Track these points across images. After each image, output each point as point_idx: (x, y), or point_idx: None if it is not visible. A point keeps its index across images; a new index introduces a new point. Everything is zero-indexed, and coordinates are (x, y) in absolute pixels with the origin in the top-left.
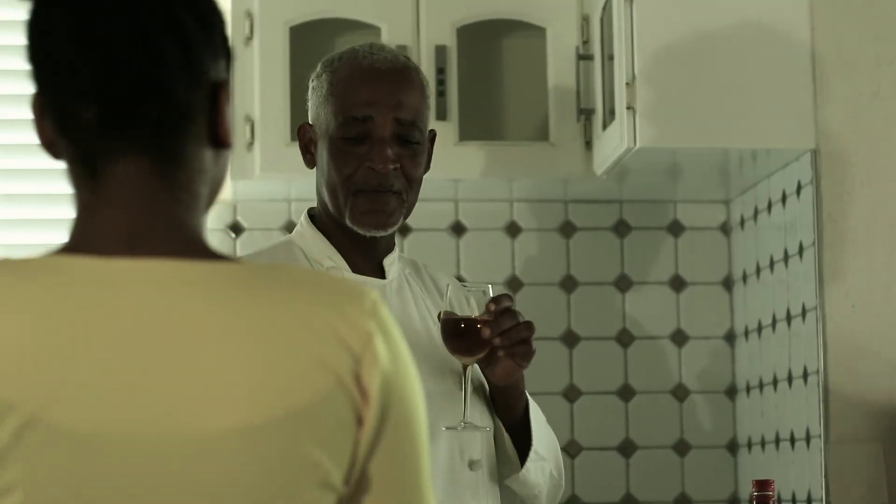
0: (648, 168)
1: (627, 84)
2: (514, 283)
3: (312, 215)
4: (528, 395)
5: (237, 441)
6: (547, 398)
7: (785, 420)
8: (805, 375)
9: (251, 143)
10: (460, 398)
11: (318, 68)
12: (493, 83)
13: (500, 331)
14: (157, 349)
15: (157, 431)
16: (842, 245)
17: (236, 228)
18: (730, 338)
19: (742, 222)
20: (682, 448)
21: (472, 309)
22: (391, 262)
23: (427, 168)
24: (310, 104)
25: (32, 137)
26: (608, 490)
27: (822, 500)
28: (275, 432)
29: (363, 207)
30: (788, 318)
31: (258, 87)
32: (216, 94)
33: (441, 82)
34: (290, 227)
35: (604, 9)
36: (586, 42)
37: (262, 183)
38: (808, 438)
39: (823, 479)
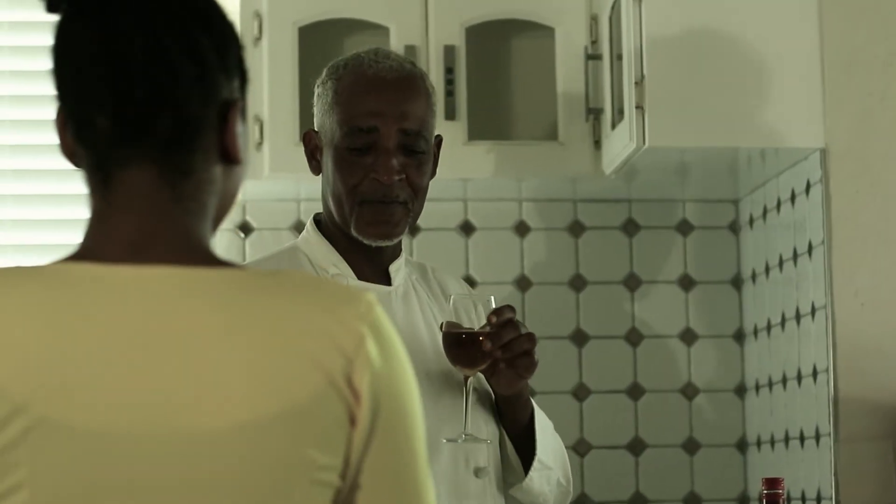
0: (657, 167)
1: (636, 83)
2: (523, 283)
3: (318, 221)
4: (533, 403)
5: (235, 438)
6: (556, 397)
7: (794, 418)
8: (814, 374)
9: (260, 144)
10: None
11: (324, 74)
12: (501, 83)
13: (502, 343)
14: (158, 351)
15: (158, 430)
16: (851, 244)
17: (245, 228)
18: (739, 337)
19: (751, 221)
20: (691, 447)
21: (479, 316)
22: (397, 269)
23: (433, 174)
24: (315, 111)
25: (42, 138)
26: (617, 489)
27: (831, 498)
28: (270, 430)
29: (368, 218)
30: (797, 316)
31: (267, 87)
32: (228, 112)
33: (450, 82)
34: (299, 226)
35: (612, 8)
36: (595, 42)
37: (271, 183)
38: (817, 437)
39: (833, 478)
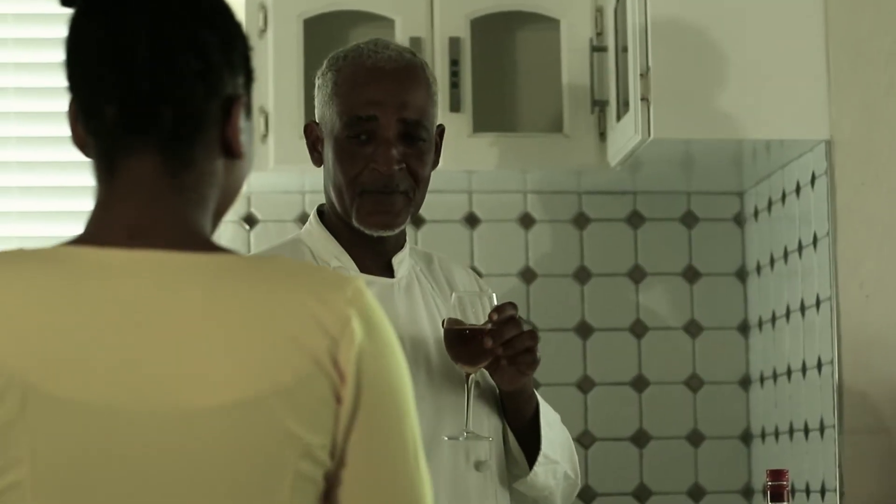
0: (662, 159)
1: (641, 75)
2: (528, 275)
3: (322, 212)
4: (538, 396)
5: (223, 417)
6: (561, 389)
7: (799, 410)
8: (819, 366)
9: (265, 136)
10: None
11: (324, 66)
12: (506, 75)
13: (503, 340)
14: (149, 331)
15: (148, 406)
16: (856, 235)
17: (250, 220)
18: (744, 328)
19: (756, 213)
20: (695, 438)
21: (484, 309)
22: (400, 261)
23: (436, 164)
24: (316, 102)
25: (48, 130)
26: (622, 481)
27: (836, 490)
28: (258, 408)
29: (369, 208)
30: (802, 308)
31: (272, 79)
32: (231, 107)
33: (455, 74)
34: (303, 218)
35: (618, 0)
36: (600, 34)
37: (276, 175)
38: (822, 429)
39: (837, 470)
